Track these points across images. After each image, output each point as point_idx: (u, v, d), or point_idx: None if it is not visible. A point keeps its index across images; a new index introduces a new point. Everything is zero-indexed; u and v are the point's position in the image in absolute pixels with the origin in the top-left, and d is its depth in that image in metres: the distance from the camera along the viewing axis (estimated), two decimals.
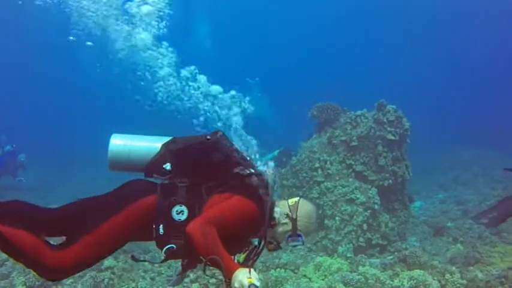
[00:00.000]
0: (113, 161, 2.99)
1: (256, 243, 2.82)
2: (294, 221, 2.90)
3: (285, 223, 2.92)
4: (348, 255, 9.48)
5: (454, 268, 8.70)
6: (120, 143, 2.97)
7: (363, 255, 9.44)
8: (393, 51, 44.49)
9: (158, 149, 2.89)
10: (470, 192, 16.67)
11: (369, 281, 7.40)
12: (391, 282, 7.20)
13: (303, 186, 11.05)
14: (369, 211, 10.05)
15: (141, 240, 2.94)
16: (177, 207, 2.69)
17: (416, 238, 11.77)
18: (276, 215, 2.89)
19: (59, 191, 18.91)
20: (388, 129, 10.83)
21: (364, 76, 41.35)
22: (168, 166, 2.82)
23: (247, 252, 2.83)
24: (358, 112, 11.44)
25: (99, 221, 2.67)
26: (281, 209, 2.98)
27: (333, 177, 10.79)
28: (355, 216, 10.01)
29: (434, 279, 7.63)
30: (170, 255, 2.70)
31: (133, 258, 2.96)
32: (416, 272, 7.39)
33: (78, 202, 2.88)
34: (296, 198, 3.04)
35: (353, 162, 10.89)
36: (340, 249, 9.61)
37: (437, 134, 29.19)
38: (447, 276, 7.67)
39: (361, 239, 9.91)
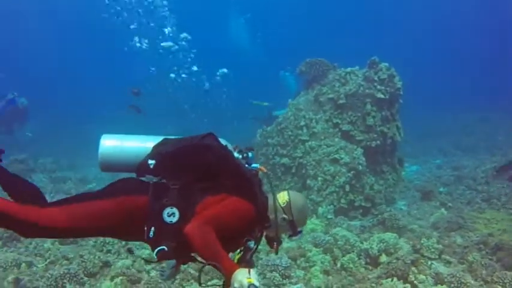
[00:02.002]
0: (104, 163, 2.94)
1: (252, 245, 2.75)
2: (291, 222, 2.86)
3: (283, 225, 2.87)
4: (329, 216, 9.18)
5: (434, 233, 8.42)
6: (111, 144, 2.92)
7: (343, 216, 9.13)
8: (399, 8, 43.14)
9: (149, 150, 2.84)
10: (469, 158, 16.20)
11: (338, 242, 7.12)
12: (360, 245, 6.91)
13: (288, 144, 10.68)
14: (352, 172, 9.66)
15: (133, 240, 2.90)
16: (168, 210, 2.64)
17: (406, 202, 11.43)
18: (271, 216, 2.82)
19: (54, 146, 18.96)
20: (378, 87, 10.31)
21: (366, 34, 40.08)
22: (151, 163, 2.74)
23: (243, 252, 2.75)
24: (348, 69, 10.90)
25: (86, 199, 2.70)
26: (275, 206, 2.85)
27: (318, 136, 10.38)
28: (337, 177, 9.65)
29: (408, 243, 7.34)
30: (162, 256, 2.65)
31: (129, 250, 2.81)
32: (388, 235, 7.08)
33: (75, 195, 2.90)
34: (285, 195, 2.93)
35: (340, 121, 10.45)
36: (320, 210, 9.31)
37: (441, 96, 28.46)
38: (423, 240, 7.34)
39: (343, 201, 9.57)
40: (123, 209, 2.66)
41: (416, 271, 6.15)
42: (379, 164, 10.86)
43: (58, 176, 13.81)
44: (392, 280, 5.89)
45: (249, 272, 2.17)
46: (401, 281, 5.92)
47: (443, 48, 43.06)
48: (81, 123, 23.06)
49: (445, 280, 5.86)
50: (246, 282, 2.10)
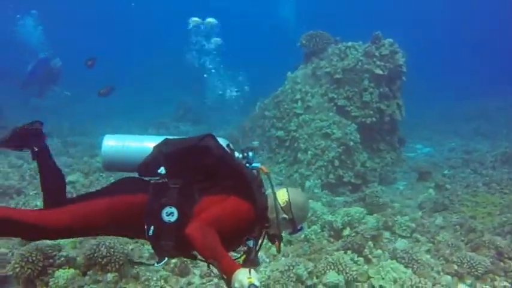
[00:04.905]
0: (107, 162, 3.04)
1: (251, 244, 2.79)
2: (292, 221, 2.88)
3: (284, 224, 2.90)
4: (315, 190, 9.11)
5: (419, 213, 8.28)
6: (113, 144, 3.00)
7: (327, 191, 9.05)
8: None
9: (150, 150, 2.89)
10: (485, 143, 15.64)
11: None
12: (325, 217, 6.85)
13: (283, 117, 10.63)
14: (342, 147, 9.53)
15: (134, 238, 3.11)
16: (167, 209, 2.69)
17: (407, 183, 11.21)
18: (271, 216, 2.84)
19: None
20: (378, 63, 10.05)
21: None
22: (162, 170, 2.79)
23: (246, 253, 2.81)
24: (349, 43, 10.63)
25: (87, 198, 2.82)
26: (276, 206, 2.88)
27: (312, 110, 10.26)
28: (327, 152, 9.54)
29: (381, 220, 7.22)
30: (162, 256, 2.76)
31: (129, 261, 3.28)
32: (355, 209, 7.00)
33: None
34: (285, 194, 2.93)
35: (335, 96, 10.27)
36: (307, 183, 9.25)
37: (471, 81, 27.45)
38: (397, 218, 7.22)
39: (331, 176, 9.47)
40: (123, 207, 2.75)
41: (372, 246, 6.07)
42: (376, 141, 10.65)
43: (69, 140, 14.24)
44: (345, 252, 5.84)
45: (250, 271, 2.19)
46: (356, 254, 5.86)
47: (475, 31, 41.34)
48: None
49: (398, 256, 5.77)
50: (246, 282, 2.12)
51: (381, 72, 9.98)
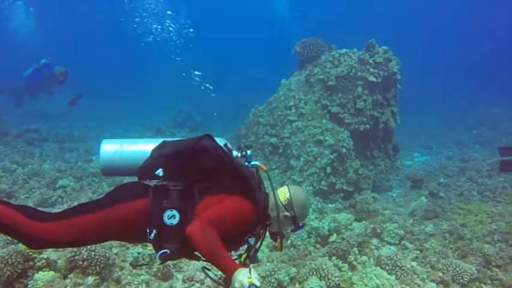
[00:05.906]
0: (106, 167, 3.01)
1: (252, 242, 2.74)
2: (293, 218, 2.86)
3: (285, 222, 2.87)
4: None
5: (410, 220, 8.25)
6: (111, 149, 2.97)
7: (318, 198, 9.00)
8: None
9: (149, 153, 2.87)
10: (485, 152, 15.56)
11: None
12: (312, 223, 6.82)
13: (277, 124, 10.60)
14: (334, 154, 9.49)
15: (137, 243, 3.17)
16: (168, 212, 2.68)
17: (401, 190, 11.17)
18: (272, 214, 2.83)
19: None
20: (371, 70, 10.03)
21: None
22: (160, 172, 2.77)
23: (247, 252, 2.76)
24: (343, 50, 10.64)
25: (88, 210, 2.75)
26: (276, 204, 2.86)
27: (305, 116, 10.24)
28: (319, 158, 9.51)
29: (369, 227, 7.19)
30: (165, 259, 2.72)
31: (131, 265, 3.35)
32: (342, 216, 6.97)
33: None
34: (286, 192, 2.90)
35: (329, 103, 10.25)
36: None
37: (471, 89, 27.40)
38: (386, 225, 7.18)
39: (323, 183, 9.43)
40: (123, 217, 2.72)
41: (357, 252, 6.03)
42: (369, 148, 10.61)
43: (66, 146, 14.24)
44: (330, 259, 5.80)
45: (250, 271, 2.18)
46: (340, 260, 5.82)
47: (486, 37, 41.37)
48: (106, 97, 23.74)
49: (382, 263, 5.72)
50: (246, 282, 2.12)
51: (374, 79, 9.97)
